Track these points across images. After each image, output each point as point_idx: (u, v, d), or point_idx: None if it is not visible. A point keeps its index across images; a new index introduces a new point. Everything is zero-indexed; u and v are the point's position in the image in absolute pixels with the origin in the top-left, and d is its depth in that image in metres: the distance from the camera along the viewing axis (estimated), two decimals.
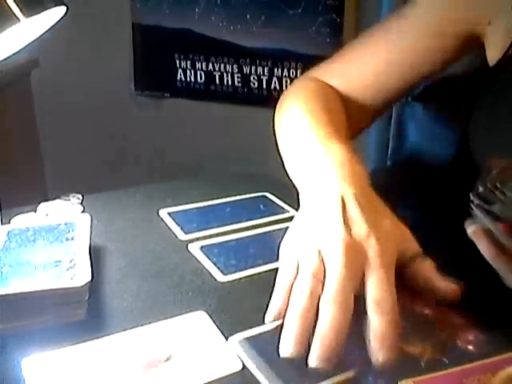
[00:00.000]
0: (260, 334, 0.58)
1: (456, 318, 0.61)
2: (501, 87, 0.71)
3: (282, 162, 0.77)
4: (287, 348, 0.51)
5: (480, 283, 0.64)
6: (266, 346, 0.56)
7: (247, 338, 0.58)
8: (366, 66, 0.82)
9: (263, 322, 0.59)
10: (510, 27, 0.69)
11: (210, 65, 2.06)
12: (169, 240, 0.80)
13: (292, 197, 0.96)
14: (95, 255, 0.72)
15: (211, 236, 0.81)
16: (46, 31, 0.72)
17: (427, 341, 0.57)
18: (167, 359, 0.55)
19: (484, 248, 0.55)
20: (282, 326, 0.55)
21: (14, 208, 0.84)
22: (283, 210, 0.90)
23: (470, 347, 0.56)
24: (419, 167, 1.09)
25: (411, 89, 0.85)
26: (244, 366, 0.54)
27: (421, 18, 0.78)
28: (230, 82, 2.06)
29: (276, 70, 2.00)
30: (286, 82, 1.99)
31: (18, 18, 0.60)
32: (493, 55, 0.72)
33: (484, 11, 0.73)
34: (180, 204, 0.91)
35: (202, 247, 0.78)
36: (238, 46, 2.00)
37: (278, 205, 0.92)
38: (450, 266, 0.59)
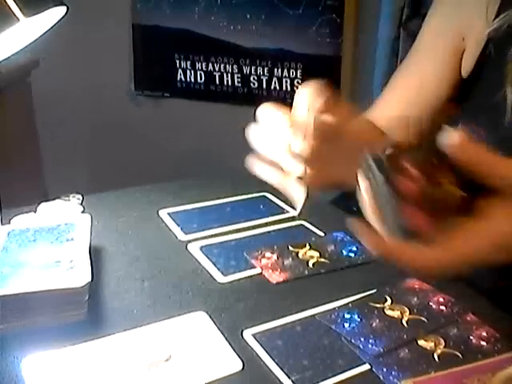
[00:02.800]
0: (273, 328, 0.60)
1: (470, 315, 0.62)
2: (476, 96, 0.72)
3: None
4: None
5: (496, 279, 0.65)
6: (278, 339, 0.58)
7: (261, 332, 0.60)
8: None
9: (263, 321, 0.60)
10: (481, 37, 0.71)
11: (210, 65, 2.06)
12: (169, 240, 0.80)
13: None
14: (95, 255, 0.72)
15: (211, 236, 0.81)
16: (46, 31, 0.72)
17: (440, 335, 0.59)
18: (167, 359, 0.55)
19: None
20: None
21: (14, 208, 0.84)
22: (283, 210, 0.90)
23: (484, 343, 0.58)
24: None
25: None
26: (254, 360, 0.55)
27: (429, 44, 0.79)
28: (229, 82, 2.06)
29: (276, 70, 1.99)
30: (286, 82, 1.99)
31: (17, 18, 0.60)
32: (466, 66, 0.74)
33: (463, 25, 0.75)
34: (180, 204, 0.91)
35: (201, 247, 0.78)
36: (238, 46, 2.00)
37: (277, 205, 0.92)
38: None
